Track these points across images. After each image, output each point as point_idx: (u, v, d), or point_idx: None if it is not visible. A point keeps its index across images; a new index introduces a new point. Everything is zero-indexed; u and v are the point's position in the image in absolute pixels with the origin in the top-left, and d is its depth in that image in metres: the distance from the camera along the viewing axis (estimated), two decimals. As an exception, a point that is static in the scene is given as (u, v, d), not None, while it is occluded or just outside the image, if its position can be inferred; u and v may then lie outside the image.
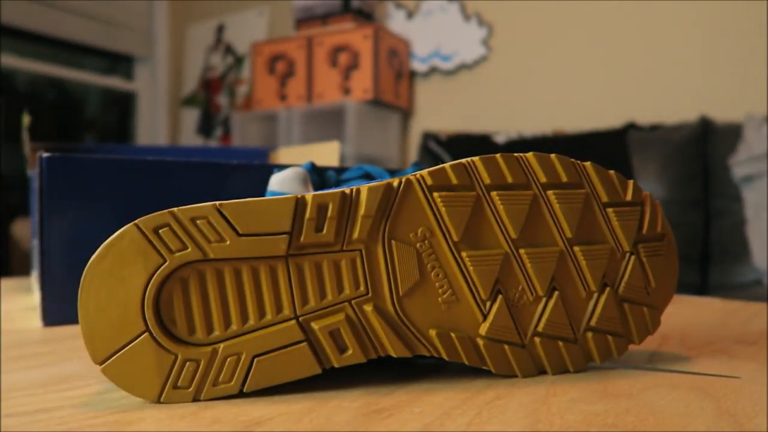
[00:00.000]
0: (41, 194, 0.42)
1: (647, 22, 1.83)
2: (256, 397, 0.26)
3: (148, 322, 0.25)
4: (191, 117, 2.83)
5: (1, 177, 2.20)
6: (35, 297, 0.51)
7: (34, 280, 0.56)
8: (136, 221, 0.25)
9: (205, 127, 2.77)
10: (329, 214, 0.26)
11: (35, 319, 0.45)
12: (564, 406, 0.25)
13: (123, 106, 2.83)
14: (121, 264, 0.25)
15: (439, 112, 2.22)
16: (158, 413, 0.24)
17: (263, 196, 0.47)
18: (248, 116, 2.37)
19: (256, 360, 0.26)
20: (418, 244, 0.27)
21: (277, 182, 0.44)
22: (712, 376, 0.29)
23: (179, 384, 0.25)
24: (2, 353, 0.34)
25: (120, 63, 2.80)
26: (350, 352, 0.27)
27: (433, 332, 0.27)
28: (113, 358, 0.25)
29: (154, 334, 0.25)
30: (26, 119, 0.68)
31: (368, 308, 0.27)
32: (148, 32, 2.80)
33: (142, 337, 0.25)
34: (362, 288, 0.27)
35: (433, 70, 2.22)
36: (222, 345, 0.26)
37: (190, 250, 0.25)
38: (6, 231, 2.13)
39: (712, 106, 1.70)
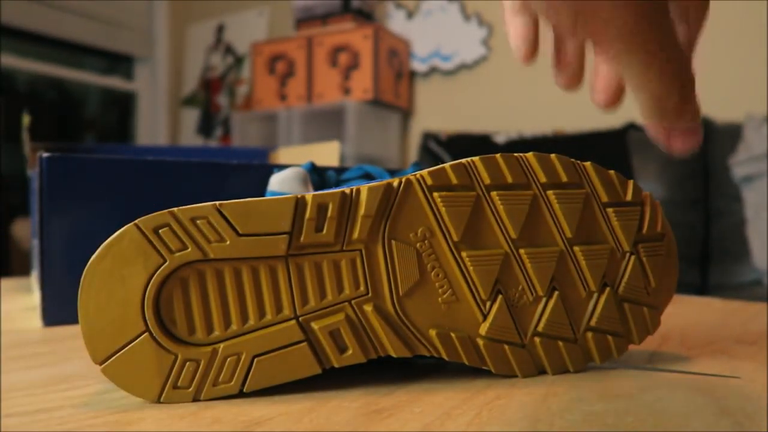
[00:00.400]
0: (41, 194, 0.42)
1: (647, 22, 1.82)
2: (256, 397, 0.26)
3: (148, 322, 0.25)
4: (191, 117, 2.83)
5: (1, 177, 2.20)
6: (35, 297, 0.51)
7: (34, 280, 0.56)
8: (136, 221, 0.25)
9: (205, 127, 2.77)
10: (329, 214, 0.26)
11: (35, 319, 0.45)
12: (564, 406, 0.25)
13: (123, 106, 2.83)
14: (121, 264, 0.25)
15: (439, 112, 2.23)
16: (158, 413, 0.24)
17: (263, 196, 0.47)
18: (248, 116, 2.37)
19: (256, 360, 0.26)
20: (418, 244, 0.27)
21: (277, 182, 0.44)
22: (712, 376, 0.29)
23: (179, 384, 0.25)
24: (2, 353, 0.34)
25: (120, 63, 2.80)
26: (350, 352, 0.27)
27: (433, 332, 0.27)
28: (113, 358, 0.25)
29: (154, 334, 0.25)
30: (26, 119, 0.68)
31: (368, 308, 0.27)
32: (148, 32, 2.80)
33: (142, 337, 0.25)
34: (362, 288, 0.27)
35: (433, 70, 2.22)
36: (222, 345, 0.26)
37: (190, 250, 0.25)
38: (6, 231, 2.13)
39: (712, 106, 1.70)
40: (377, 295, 0.27)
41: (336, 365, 0.27)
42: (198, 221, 0.25)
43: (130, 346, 0.25)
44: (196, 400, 0.26)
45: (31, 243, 0.59)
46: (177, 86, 2.88)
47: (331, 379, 0.28)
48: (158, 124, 2.82)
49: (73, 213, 0.43)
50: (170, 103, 2.86)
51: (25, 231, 2.04)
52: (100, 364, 0.25)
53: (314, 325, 0.26)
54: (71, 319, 0.43)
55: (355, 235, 0.27)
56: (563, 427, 0.22)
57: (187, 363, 0.25)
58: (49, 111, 2.56)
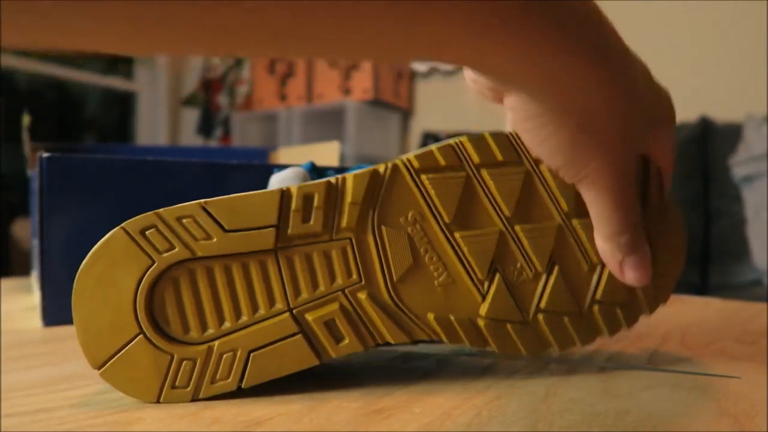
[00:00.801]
0: (41, 194, 0.42)
1: (647, 22, 1.83)
2: (256, 397, 0.26)
3: (142, 323, 0.25)
4: (191, 117, 2.83)
5: (1, 177, 2.20)
6: (35, 297, 0.51)
7: (34, 280, 0.56)
8: (122, 224, 0.25)
9: (205, 127, 2.77)
10: (315, 204, 0.26)
11: (35, 319, 0.45)
12: (564, 406, 0.25)
13: (123, 106, 2.83)
14: (111, 268, 0.25)
15: (439, 112, 2.22)
16: (158, 413, 0.24)
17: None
18: (248, 116, 2.37)
19: (251, 355, 0.26)
20: (409, 229, 0.27)
21: (277, 182, 0.44)
22: (712, 376, 0.29)
23: (177, 384, 0.25)
24: (2, 353, 0.34)
25: (120, 63, 2.80)
26: (347, 341, 0.27)
27: (431, 316, 0.27)
28: (110, 361, 0.25)
29: (149, 336, 0.25)
30: (26, 119, 0.68)
31: (362, 296, 0.27)
32: (148, 32, 2.79)
33: (137, 339, 0.25)
34: (355, 276, 0.27)
35: (433, 70, 2.22)
36: (217, 342, 0.26)
37: (177, 249, 0.25)
38: (6, 231, 2.13)
39: (712, 106, 1.70)
40: (371, 283, 0.27)
41: (333, 356, 0.27)
42: (184, 220, 0.25)
43: (126, 348, 0.25)
44: (195, 399, 0.26)
45: (31, 243, 0.59)
46: (177, 86, 2.88)
47: (331, 379, 0.28)
48: (158, 124, 2.82)
49: (73, 213, 0.43)
50: (170, 103, 2.86)
51: (25, 231, 2.04)
52: (98, 368, 0.25)
53: (308, 317, 0.26)
54: (71, 319, 0.43)
55: (344, 223, 0.26)
56: (563, 427, 0.22)
57: (184, 362, 0.25)
58: (49, 111, 2.56)
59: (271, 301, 0.26)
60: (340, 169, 0.49)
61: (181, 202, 0.26)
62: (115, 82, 2.77)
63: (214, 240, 0.25)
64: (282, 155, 0.76)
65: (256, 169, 0.49)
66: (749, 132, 1.55)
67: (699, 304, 0.55)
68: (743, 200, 1.56)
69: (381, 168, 0.27)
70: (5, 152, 2.21)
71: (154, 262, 0.25)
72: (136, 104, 2.83)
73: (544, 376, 0.29)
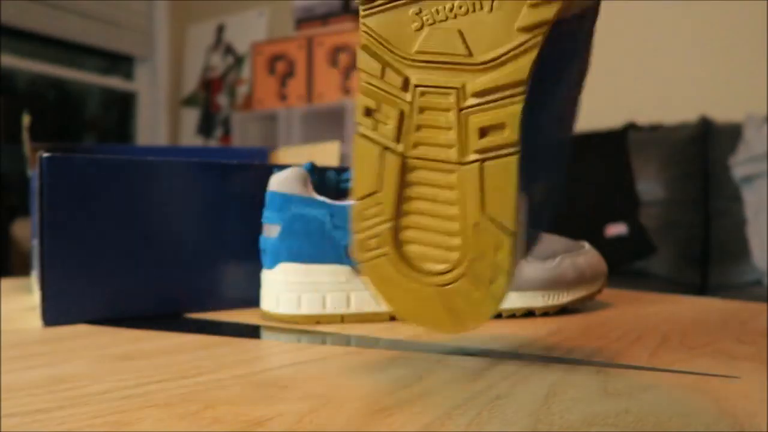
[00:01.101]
0: (41, 194, 0.42)
1: (647, 21, 1.83)
2: (256, 397, 0.26)
3: (421, 281, 0.28)
4: (191, 117, 2.83)
5: (1, 177, 2.20)
6: (35, 297, 0.51)
7: (34, 280, 0.56)
8: (353, 267, 0.28)
9: (205, 127, 2.77)
10: (373, 107, 0.27)
11: (35, 319, 0.45)
12: (564, 406, 0.25)
13: (123, 106, 2.83)
14: (381, 277, 0.28)
15: (439, 112, 2.22)
16: (158, 413, 0.24)
17: (263, 196, 0.47)
18: (248, 116, 2.37)
19: (486, 215, 0.27)
20: (425, 29, 0.27)
21: (277, 182, 0.44)
22: (712, 376, 0.29)
23: (491, 283, 0.27)
24: (2, 353, 0.34)
25: (120, 63, 2.80)
26: (507, 127, 0.26)
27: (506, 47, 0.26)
28: (463, 322, 0.28)
29: (431, 282, 0.27)
30: (26, 119, 0.68)
31: (471, 89, 0.26)
32: (148, 32, 2.80)
33: (433, 295, 0.28)
34: (452, 98, 0.26)
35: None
36: (472, 233, 0.27)
37: (380, 248, 0.28)
38: (6, 231, 2.13)
39: (712, 106, 1.70)
40: (462, 81, 0.26)
41: (518, 134, 0.26)
42: (365, 213, 0.28)
43: (446, 308, 0.28)
44: (510, 284, 0.27)
45: (31, 243, 0.59)
46: (177, 86, 2.88)
47: (331, 379, 0.28)
48: (158, 124, 2.82)
49: (73, 213, 0.43)
50: (170, 103, 2.86)
51: (25, 231, 2.04)
52: (459, 330, 0.28)
53: (485, 144, 0.26)
54: (71, 319, 0.43)
55: (398, 83, 0.27)
56: (563, 427, 0.22)
57: (473, 267, 0.27)
58: (49, 111, 2.56)
59: (448, 171, 0.27)
60: (341, 169, 0.49)
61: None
62: (115, 82, 2.78)
63: (384, 204, 0.28)
64: (282, 155, 0.76)
65: (256, 169, 0.49)
66: (749, 132, 1.55)
67: (699, 304, 0.55)
68: (743, 200, 1.56)
69: (359, 36, 0.27)
70: (5, 152, 2.21)
71: (386, 254, 0.28)
72: (136, 104, 2.83)
73: (544, 376, 0.29)
